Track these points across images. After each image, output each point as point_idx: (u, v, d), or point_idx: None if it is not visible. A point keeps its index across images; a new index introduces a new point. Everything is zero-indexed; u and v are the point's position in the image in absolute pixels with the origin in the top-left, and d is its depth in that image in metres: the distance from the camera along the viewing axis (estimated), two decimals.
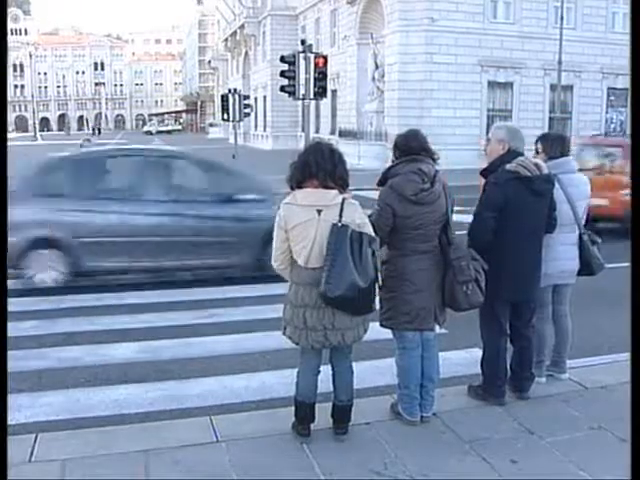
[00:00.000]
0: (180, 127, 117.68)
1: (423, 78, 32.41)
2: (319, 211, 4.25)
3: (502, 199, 4.87)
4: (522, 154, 5.10)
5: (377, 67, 36.09)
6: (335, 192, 4.31)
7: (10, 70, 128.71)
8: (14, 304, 8.52)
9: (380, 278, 4.45)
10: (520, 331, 5.29)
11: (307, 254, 4.28)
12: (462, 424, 4.87)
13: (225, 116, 25.09)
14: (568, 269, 5.45)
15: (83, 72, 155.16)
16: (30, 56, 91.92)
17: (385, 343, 6.83)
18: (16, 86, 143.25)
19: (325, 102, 35.21)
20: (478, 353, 5.49)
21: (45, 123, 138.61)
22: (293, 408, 4.68)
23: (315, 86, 15.48)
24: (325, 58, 15.95)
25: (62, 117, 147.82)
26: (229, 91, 25.39)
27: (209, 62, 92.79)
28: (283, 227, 4.31)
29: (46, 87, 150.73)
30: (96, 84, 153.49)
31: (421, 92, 32.45)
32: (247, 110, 25.42)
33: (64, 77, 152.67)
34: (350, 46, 39.43)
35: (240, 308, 8.40)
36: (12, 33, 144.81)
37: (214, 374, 6.23)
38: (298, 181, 4.35)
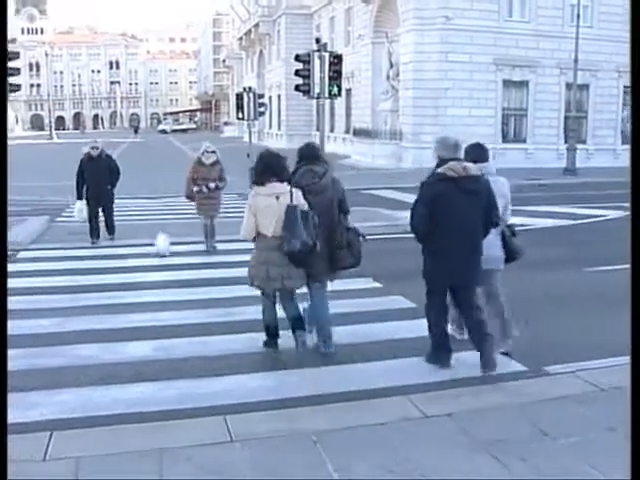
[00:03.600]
0: (195, 126, 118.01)
1: (438, 77, 32.33)
2: (277, 197, 6.28)
3: (432, 196, 5.86)
4: (456, 159, 5.97)
5: (392, 66, 36.00)
6: (286, 184, 6.33)
7: (26, 69, 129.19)
8: (30, 302, 8.63)
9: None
10: (465, 312, 6.22)
11: (273, 227, 6.30)
12: (476, 425, 4.87)
13: (240, 115, 25.03)
14: (492, 256, 6.26)
15: (98, 71, 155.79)
16: (46, 55, 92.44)
17: (401, 343, 6.85)
18: (32, 85, 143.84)
19: (340, 101, 35.13)
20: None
21: (61, 122, 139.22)
22: (264, 332, 6.81)
23: (330, 85, 15.46)
24: (340, 57, 15.92)
25: (77, 116, 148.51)
26: (244, 90, 25.34)
27: (224, 61, 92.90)
28: (253, 211, 6.37)
29: (62, 86, 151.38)
30: (111, 83, 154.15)
31: (436, 91, 32.36)
32: (262, 109, 25.35)
33: (79, 76, 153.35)
34: (365, 45, 39.39)
35: (255, 307, 8.42)
36: (28, 32, 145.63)
37: (229, 373, 6.25)
38: (261, 181, 6.38)
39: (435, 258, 5.98)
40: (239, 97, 24.89)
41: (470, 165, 5.97)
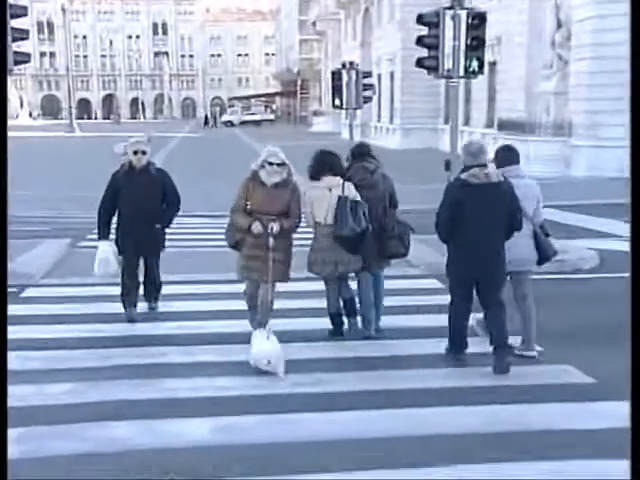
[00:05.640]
0: (272, 116, 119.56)
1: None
2: (330, 189, 9.41)
3: (452, 200, 8.57)
4: (481, 165, 8.44)
5: (559, 26, 35.27)
6: (339, 178, 9.49)
7: (34, 30, 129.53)
8: (39, 359, 8.85)
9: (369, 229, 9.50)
10: (490, 309, 8.75)
11: (325, 215, 9.42)
12: None
13: (336, 101, 25.26)
14: (521, 257, 8.89)
15: (137, 37, 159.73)
16: (62, 11, 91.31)
17: (574, 434, 6.74)
18: (43, 54, 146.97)
19: (480, 81, 34.82)
20: None
21: (84, 107, 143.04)
22: (330, 321, 9.80)
23: (467, 58, 15.30)
24: (482, 16, 15.74)
25: (108, 99, 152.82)
26: (342, 66, 25.60)
27: (314, 24, 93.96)
28: (309, 202, 9.52)
29: (85, 56, 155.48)
30: (155, 54, 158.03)
31: (626, 62, 31.51)
32: (368, 93, 25.49)
33: (111, 43, 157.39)
34: None
35: (353, 373, 8.43)
36: None
37: (324, 469, 6.20)
38: (316, 176, 9.57)
39: (456, 255, 8.75)
40: (336, 76, 25.18)
41: (492, 172, 8.48)
